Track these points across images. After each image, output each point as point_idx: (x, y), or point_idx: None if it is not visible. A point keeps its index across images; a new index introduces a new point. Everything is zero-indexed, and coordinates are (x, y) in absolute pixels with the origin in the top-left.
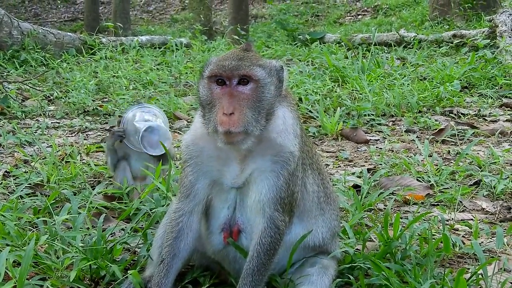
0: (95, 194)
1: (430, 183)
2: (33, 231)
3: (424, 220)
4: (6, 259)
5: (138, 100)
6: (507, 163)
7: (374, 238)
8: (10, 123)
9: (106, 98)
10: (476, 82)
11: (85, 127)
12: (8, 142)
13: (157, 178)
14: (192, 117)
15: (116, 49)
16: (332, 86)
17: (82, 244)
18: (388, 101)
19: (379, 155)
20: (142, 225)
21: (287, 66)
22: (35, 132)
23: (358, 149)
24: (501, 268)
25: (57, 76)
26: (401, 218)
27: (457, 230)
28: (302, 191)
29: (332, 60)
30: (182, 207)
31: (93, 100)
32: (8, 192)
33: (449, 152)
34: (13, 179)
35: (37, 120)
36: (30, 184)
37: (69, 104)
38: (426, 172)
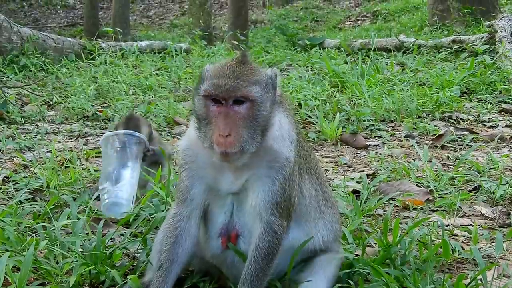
0: (94, 199)
1: (430, 188)
2: (33, 236)
3: (423, 225)
4: (6, 265)
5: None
6: (506, 168)
7: (374, 243)
8: (10, 128)
9: (105, 103)
10: (475, 88)
11: (85, 132)
12: (7, 147)
13: (156, 183)
14: None
15: (116, 54)
16: (331, 92)
17: (82, 250)
18: (387, 107)
19: (378, 161)
20: (142, 231)
21: (286, 71)
22: (34, 137)
23: (357, 154)
24: (500, 274)
25: (56, 81)
26: (401, 223)
27: (457, 235)
28: (298, 196)
29: (332, 65)
30: (179, 212)
31: (93, 105)
32: (8, 197)
33: (448, 157)
34: (13, 184)
35: (36, 125)
36: (29, 189)
37: (69, 109)
38: (425, 178)
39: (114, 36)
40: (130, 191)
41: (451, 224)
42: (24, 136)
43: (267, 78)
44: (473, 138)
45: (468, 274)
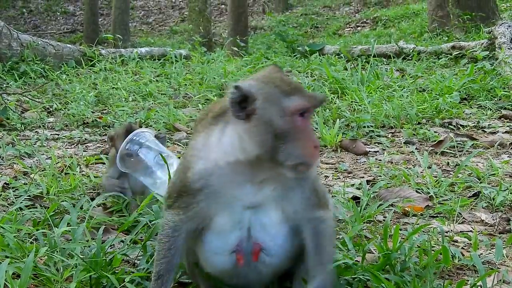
0: (94, 206)
1: (429, 194)
2: (33, 243)
3: (423, 231)
4: (6, 271)
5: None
6: (506, 174)
7: (374, 249)
8: (10, 135)
9: (105, 109)
10: (475, 94)
11: (85, 138)
12: (7, 153)
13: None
14: (191, 129)
15: (116, 61)
16: (331, 98)
17: (82, 256)
18: (387, 113)
19: (378, 167)
20: (142, 237)
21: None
22: (34, 144)
23: (357, 160)
24: (500, 280)
25: (56, 88)
26: (401, 229)
27: (457, 241)
28: None
29: (331, 71)
30: (179, 222)
31: (93, 112)
32: (8, 204)
33: (448, 163)
34: (13, 191)
35: (36, 131)
36: (29, 196)
37: (69, 115)
38: (425, 184)
39: (114, 43)
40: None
41: (451, 230)
42: (24, 143)
43: None
44: (473, 144)
45: (468, 281)
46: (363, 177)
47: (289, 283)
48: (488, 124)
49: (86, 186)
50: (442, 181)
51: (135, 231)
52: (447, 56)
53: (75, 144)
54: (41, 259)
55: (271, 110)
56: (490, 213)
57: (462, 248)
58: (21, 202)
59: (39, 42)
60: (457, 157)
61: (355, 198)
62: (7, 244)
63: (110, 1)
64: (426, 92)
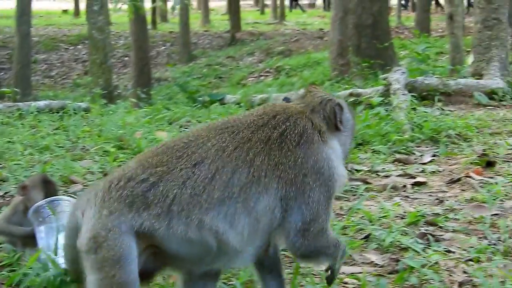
0: None
1: None
2: None
3: (313, 274)
4: None
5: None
6: (396, 216)
7: None
8: None
9: (0, 164)
10: (370, 139)
11: None
12: None
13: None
14: (88, 181)
15: (13, 115)
16: None
17: None
18: None
19: None
20: None
21: (186, 127)
22: None
23: None
24: None
25: None
26: (291, 273)
27: (347, 283)
28: None
29: None
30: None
31: None
32: None
33: (341, 207)
34: None
35: None
36: None
37: None
38: None
39: (13, 97)
40: None
41: (343, 272)
42: None
43: None
44: (366, 188)
45: None
46: None
47: None
48: (382, 168)
49: None
50: (335, 224)
51: (23, 284)
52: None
53: None
54: None
55: (352, 122)
56: (380, 254)
57: None
58: None
59: None
60: (350, 201)
61: None
62: None
63: (12, 55)
64: None
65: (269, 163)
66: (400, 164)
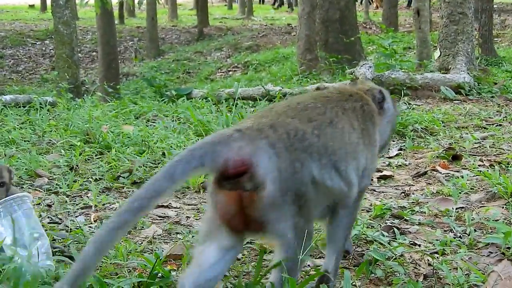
0: None
1: None
2: None
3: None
4: None
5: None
6: (362, 209)
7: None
8: None
9: None
10: None
11: None
12: None
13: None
14: (54, 175)
15: None
16: (196, 140)
17: None
18: None
19: None
20: None
21: (153, 122)
22: None
23: None
24: None
25: None
26: (262, 267)
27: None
28: None
29: (197, 115)
30: None
31: None
32: None
33: None
34: None
35: None
36: None
37: None
38: None
39: None
40: None
41: (308, 265)
42: None
43: None
44: None
45: None
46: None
47: None
48: None
49: None
50: None
51: None
52: None
53: None
54: None
55: (393, 113)
56: None
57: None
58: None
59: None
60: None
61: None
62: None
63: None
64: None
65: (359, 127)
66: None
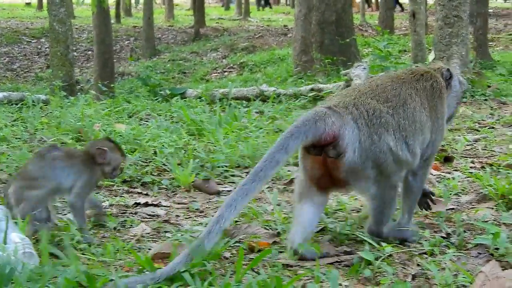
0: None
1: (277, 231)
2: None
3: (265, 266)
4: None
5: None
6: (352, 210)
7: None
8: None
9: None
10: None
11: None
12: None
13: None
14: None
15: None
16: (188, 139)
17: None
18: (242, 153)
19: None
20: None
21: (146, 120)
22: None
23: (210, 200)
24: None
25: None
26: (245, 265)
27: (301, 275)
28: None
29: (191, 114)
30: None
31: None
32: None
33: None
34: None
35: None
36: None
37: None
38: (274, 221)
39: None
40: None
41: (298, 265)
42: None
43: None
44: None
45: None
46: (213, 216)
47: None
48: None
49: None
50: (290, 217)
51: None
52: (306, 98)
53: None
54: None
55: (460, 89)
56: (335, 247)
57: (305, 281)
58: None
59: None
60: None
61: None
62: None
63: None
64: (281, 132)
65: (428, 105)
66: None
